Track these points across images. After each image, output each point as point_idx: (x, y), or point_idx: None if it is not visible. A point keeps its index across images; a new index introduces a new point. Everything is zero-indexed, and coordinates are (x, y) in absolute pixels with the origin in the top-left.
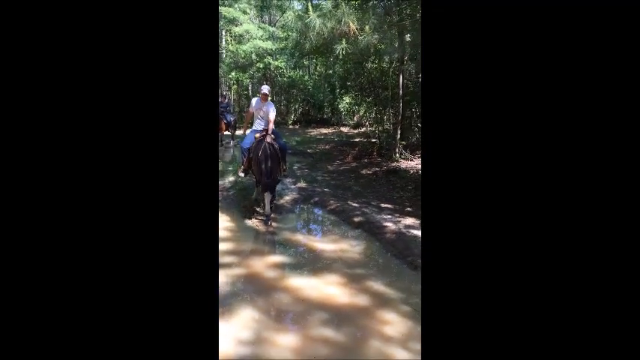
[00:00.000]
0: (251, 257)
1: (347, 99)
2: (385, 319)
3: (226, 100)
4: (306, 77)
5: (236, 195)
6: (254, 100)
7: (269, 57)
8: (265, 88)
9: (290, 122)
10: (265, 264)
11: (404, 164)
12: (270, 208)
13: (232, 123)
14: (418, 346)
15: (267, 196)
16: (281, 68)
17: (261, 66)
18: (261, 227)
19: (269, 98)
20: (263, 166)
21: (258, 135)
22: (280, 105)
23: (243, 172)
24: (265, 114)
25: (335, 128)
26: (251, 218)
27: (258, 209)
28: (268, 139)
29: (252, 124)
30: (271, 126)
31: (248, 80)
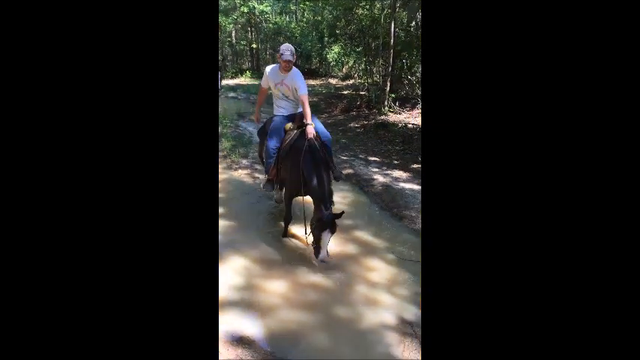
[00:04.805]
0: (241, 208)
1: (336, 48)
2: (371, 266)
3: None
4: (293, 24)
5: (227, 148)
6: (269, 70)
7: (254, 1)
8: (287, 50)
9: None
10: (254, 213)
11: (392, 117)
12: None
13: None
14: (402, 291)
15: (327, 236)
16: (266, 13)
17: (245, 10)
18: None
19: (293, 65)
20: (317, 186)
21: (289, 126)
22: (266, 54)
23: (266, 184)
24: (291, 90)
25: (323, 80)
26: (238, 170)
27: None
28: (310, 134)
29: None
30: (308, 111)
31: (232, 26)
